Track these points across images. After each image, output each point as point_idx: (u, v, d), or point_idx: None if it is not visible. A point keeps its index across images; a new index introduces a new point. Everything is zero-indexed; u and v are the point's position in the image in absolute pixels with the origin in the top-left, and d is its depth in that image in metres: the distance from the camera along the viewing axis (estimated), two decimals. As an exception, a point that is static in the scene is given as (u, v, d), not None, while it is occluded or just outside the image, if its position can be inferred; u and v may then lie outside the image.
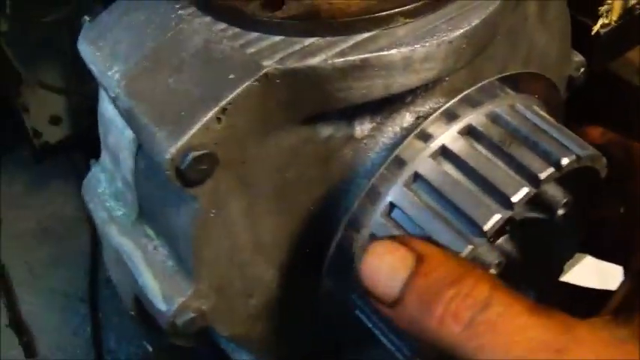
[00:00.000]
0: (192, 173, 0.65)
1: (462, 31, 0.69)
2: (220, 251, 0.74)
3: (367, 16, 0.69)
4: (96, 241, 1.79)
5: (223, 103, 0.65)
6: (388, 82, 0.69)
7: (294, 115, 0.69)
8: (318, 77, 0.67)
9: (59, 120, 1.73)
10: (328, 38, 0.69)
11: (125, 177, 0.82)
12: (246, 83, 0.65)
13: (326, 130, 0.73)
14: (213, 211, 0.70)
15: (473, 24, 0.70)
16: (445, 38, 0.68)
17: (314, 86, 0.67)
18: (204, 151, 0.65)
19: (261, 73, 0.65)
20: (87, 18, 0.85)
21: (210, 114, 0.65)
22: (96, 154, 0.89)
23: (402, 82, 0.69)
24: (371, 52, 0.67)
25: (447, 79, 0.78)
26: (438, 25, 0.69)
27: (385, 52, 0.67)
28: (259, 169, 0.71)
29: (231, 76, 0.66)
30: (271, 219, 0.75)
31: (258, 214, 0.74)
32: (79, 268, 1.78)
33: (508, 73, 0.76)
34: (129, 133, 0.77)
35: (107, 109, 0.81)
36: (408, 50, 0.67)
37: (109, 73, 0.74)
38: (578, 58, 0.92)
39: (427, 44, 0.68)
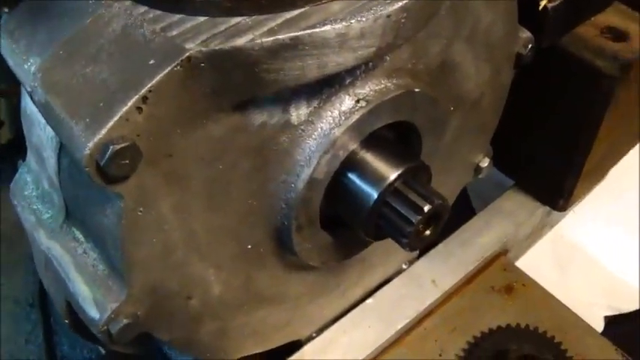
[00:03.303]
0: (114, 169, 0.58)
1: (400, 4, 0.63)
2: (152, 252, 0.67)
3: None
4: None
5: (143, 91, 0.58)
6: (322, 62, 0.62)
7: (222, 102, 0.62)
8: (246, 59, 0.60)
9: (1, 124, 1.64)
10: (256, 17, 0.62)
11: (50, 177, 0.74)
12: (168, 68, 0.58)
13: (258, 118, 0.66)
14: (141, 209, 0.63)
15: (413, -4, 0.63)
16: (383, 12, 0.62)
17: (242, 69, 0.60)
18: (125, 144, 0.58)
19: (183, 57, 0.58)
20: (6, 10, 0.77)
21: (130, 103, 0.58)
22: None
23: (338, 61, 0.63)
24: (302, 29, 0.61)
25: (387, 58, 0.72)
26: (374, -2, 0.63)
27: (318, 29, 0.61)
28: (188, 163, 0.64)
29: (152, 62, 0.59)
30: (205, 215, 0.69)
31: (190, 211, 0.67)
32: (27, 273, 1.70)
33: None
34: (50, 130, 0.69)
35: (28, 104, 0.74)
36: (343, 26, 0.61)
37: (25, 66, 0.66)
38: (526, 34, 0.86)
39: (363, 19, 0.61)
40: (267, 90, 0.63)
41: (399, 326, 0.90)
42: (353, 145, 0.72)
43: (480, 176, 0.95)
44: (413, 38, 0.71)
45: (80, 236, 0.73)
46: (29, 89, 0.66)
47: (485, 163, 0.94)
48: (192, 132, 0.62)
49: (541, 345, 0.89)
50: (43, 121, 0.71)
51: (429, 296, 0.93)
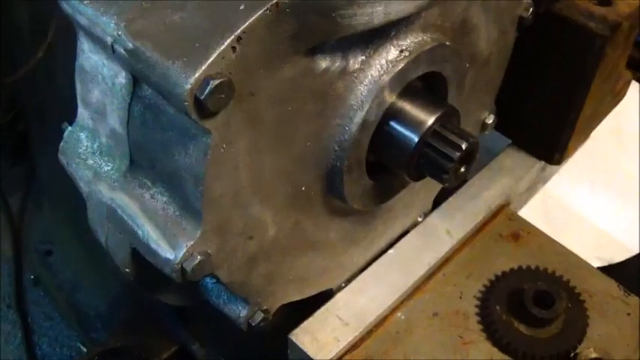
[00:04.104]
0: (211, 103, 0.66)
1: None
2: (226, 190, 0.75)
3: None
4: (19, 243, 1.73)
5: (238, 31, 0.66)
6: (388, 10, 0.73)
7: (298, 46, 0.72)
8: (326, 5, 0.69)
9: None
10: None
11: (113, 129, 0.81)
12: (260, 12, 0.67)
13: (323, 63, 0.76)
14: (224, 146, 0.72)
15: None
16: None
17: (321, 14, 0.70)
18: (222, 79, 0.66)
19: (272, 2, 0.67)
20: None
21: (227, 42, 0.66)
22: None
23: (400, 8, 0.74)
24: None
25: (422, 14, 0.83)
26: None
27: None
28: (264, 103, 0.73)
29: (242, 7, 0.68)
30: (270, 155, 0.78)
31: (259, 151, 0.76)
32: (2, 273, 1.73)
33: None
34: (120, 80, 0.77)
35: (91, 60, 0.80)
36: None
37: (104, 19, 0.73)
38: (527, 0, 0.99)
39: (422, -32, 0.72)
40: (340, 34, 0.73)
41: (420, 273, 1.01)
42: (395, 93, 0.83)
43: (486, 132, 1.07)
44: (444, -3, 0.83)
45: (147, 182, 0.81)
46: (110, 40, 0.73)
47: (490, 119, 1.06)
48: (272, 73, 0.71)
49: (552, 283, 1.00)
50: (108, 74, 0.78)
51: (445, 245, 1.03)
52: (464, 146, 0.83)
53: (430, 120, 0.84)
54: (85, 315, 1.62)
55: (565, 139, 1.11)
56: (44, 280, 1.72)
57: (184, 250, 0.76)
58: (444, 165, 0.84)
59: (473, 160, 0.87)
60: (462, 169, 0.86)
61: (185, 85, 0.66)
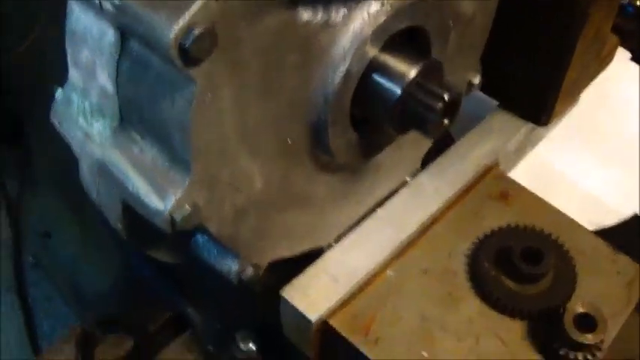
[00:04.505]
0: (195, 50, 0.69)
1: None
2: (212, 140, 0.78)
3: None
4: (17, 226, 1.77)
5: (219, -19, 0.70)
6: (367, -42, 0.76)
7: (279, -3, 0.75)
8: (304, -45, 0.73)
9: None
10: None
11: (103, 87, 0.84)
12: (240, -37, 0.70)
13: (305, 15, 0.79)
14: (209, 94, 0.75)
15: None
16: None
17: (299, -36, 0.73)
18: (205, 27, 0.69)
19: (252, -48, 0.71)
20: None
21: (208, -7, 0.69)
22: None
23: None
24: None
25: (401, -33, 0.87)
26: None
27: None
28: (248, 53, 0.76)
29: (222, -43, 0.71)
30: (256, 105, 0.81)
31: (245, 101, 0.79)
32: (1, 257, 1.76)
33: None
34: (109, 38, 0.80)
35: (80, 21, 0.84)
36: None
37: (93, -21, 0.77)
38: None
39: None
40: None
41: (410, 232, 1.04)
42: (378, 46, 0.86)
43: (472, 91, 1.10)
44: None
45: (137, 136, 0.84)
46: (97, -1, 0.76)
47: (476, 80, 1.09)
48: (254, 23, 0.74)
49: (540, 240, 1.03)
50: (97, 32, 0.82)
51: (434, 204, 1.06)
52: (446, 97, 0.86)
53: (412, 72, 0.87)
54: (85, 295, 1.65)
55: (551, 100, 1.14)
56: (43, 262, 1.75)
57: (173, 200, 0.80)
58: (426, 116, 0.87)
59: (456, 111, 0.90)
60: (446, 121, 0.89)
61: (170, 34, 0.69)
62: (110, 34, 0.80)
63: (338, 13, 0.82)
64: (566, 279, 1.01)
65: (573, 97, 1.23)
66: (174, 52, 0.70)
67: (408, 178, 1.11)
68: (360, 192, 1.04)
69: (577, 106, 1.27)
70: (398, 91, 0.87)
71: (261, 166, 0.86)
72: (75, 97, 0.90)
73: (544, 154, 1.29)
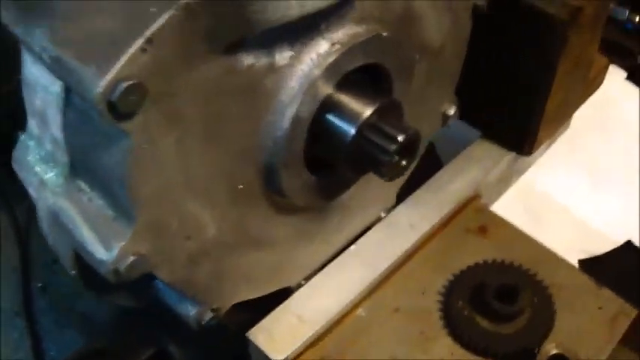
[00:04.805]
0: (123, 105, 0.69)
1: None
2: (154, 189, 0.78)
3: None
4: (26, 252, 1.79)
5: (148, 34, 0.69)
6: (302, 1, 0.74)
7: (214, 44, 0.73)
8: (235, 1, 0.71)
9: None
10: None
11: (54, 136, 0.84)
12: (169, 13, 0.69)
13: (247, 60, 0.78)
14: (145, 145, 0.74)
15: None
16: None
17: (232, 10, 0.72)
18: (133, 82, 0.68)
19: (181, 3, 0.69)
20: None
21: (137, 45, 0.68)
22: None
23: (316, 3, 0.75)
24: (284, -32, 0.72)
25: (356, 7, 0.85)
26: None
27: (296, -31, 0.72)
28: (186, 102, 0.75)
29: (153, 9, 0.70)
30: (201, 153, 0.80)
31: (188, 150, 0.78)
32: (10, 281, 1.78)
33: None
34: (56, 88, 0.80)
35: (31, 71, 0.84)
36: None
37: (36, 30, 0.76)
38: (482, -15, 0.99)
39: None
40: (255, 29, 0.74)
41: (382, 269, 1.02)
42: (330, 86, 0.84)
43: (448, 123, 1.07)
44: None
45: (85, 186, 0.84)
46: (38, 50, 0.76)
47: (451, 111, 1.07)
48: (189, 73, 0.73)
49: (517, 276, 1.00)
50: (46, 82, 0.82)
51: (408, 240, 1.04)
52: (400, 138, 0.84)
53: (367, 112, 0.85)
54: (91, 321, 1.66)
55: (533, 128, 1.11)
56: (51, 288, 1.76)
57: (117, 251, 0.79)
58: (380, 158, 0.85)
59: (414, 153, 0.88)
60: (403, 163, 0.87)
61: (97, 89, 0.68)
62: (56, 85, 0.80)
63: (283, 56, 0.80)
64: (544, 316, 0.99)
65: (559, 123, 1.19)
66: (103, 108, 0.69)
67: (382, 214, 1.09)
68: (327, 231, 1.02)
69: (570, 129, 1.23)
70: (352, 131, 0.85)
71: (213, 212, 0.85)
72: (32, 145, 0.90)
73: (535, 180, 1.26)
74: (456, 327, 0.97)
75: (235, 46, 0.76)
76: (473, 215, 1.09)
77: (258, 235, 0.92)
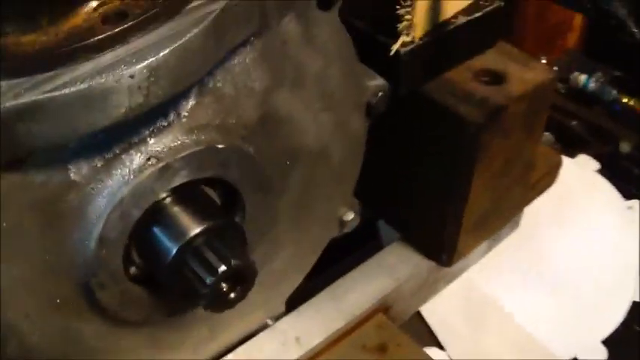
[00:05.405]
0: None
1: (145, 63, 0.66)
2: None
3: (50, 54, 0.66)
4: None
5: None
6: (73, 124, 0.66)
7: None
8: (-1, 122, 0.64)
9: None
10: (12, 80, 0.66)
11: None
12: None
13: (38, 177, 0.71)
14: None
15: (160, 54, 0.66)
16: (125, 72, 0.65)
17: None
18: None
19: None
20: None
21: None
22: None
23: (88, 121, 0.67)
24: (44, 92, 0.64)
25: (184, 114, 0.75)
26: (123, 58, 0.66)
27: (57, 93, 0.64)
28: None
29: None
30: (5, 269, 0.73)
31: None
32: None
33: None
34: None
35: None
36: (83, 88, 0.64)
37: None
38: (377, 82, 0.87)
39: (103, 80, 0.65)
40: (25, 150, 0.67)
41: (253, 390, 0.92)
42: (147, 203, 0.75)
43: (346, 230, 0.95)
44: (216, 92, 0.75)
45: None
46: None
47: (349, 216, 0.94)
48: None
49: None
50: None
51: (291, 355, 0.93)
52: (221, 270, 0.74)
53: (191, 233, 0.76)
54: None
55: (451, 238, 0.97)
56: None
57: None
58: (198, 289, 0.75)
59: (246, 284, 0.78)
60: (233, 295, 0.77)
61: None
62: None
63: (82, 173, 0.72)
64: None
65: (488, 232, 1.05)
66: None
67: (269, 322, 0.98)
68: (196, 340, 0.93)
69: (519, 230, 1.09)
70: (172, 251, 0.76)
71: (30, 324, 0.78)
72: None
73: (479, 282, 1.12)
74: None
75: (20, 163, 0.69)
76: (373, 331, 0.97)
77: (95, 345, 0.84)
